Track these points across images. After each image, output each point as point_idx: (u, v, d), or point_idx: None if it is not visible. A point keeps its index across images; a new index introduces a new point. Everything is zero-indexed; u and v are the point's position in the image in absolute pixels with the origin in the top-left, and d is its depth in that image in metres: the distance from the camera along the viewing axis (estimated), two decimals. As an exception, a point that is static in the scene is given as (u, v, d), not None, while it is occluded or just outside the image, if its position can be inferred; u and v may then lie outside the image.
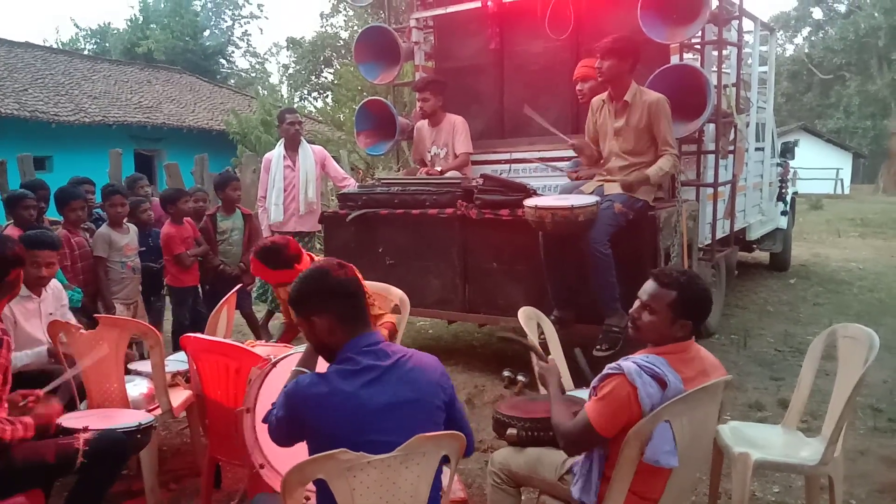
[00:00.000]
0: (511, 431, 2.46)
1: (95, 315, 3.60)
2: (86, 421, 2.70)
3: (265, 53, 42.81)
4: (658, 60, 4.76)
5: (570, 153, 5.02)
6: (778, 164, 8.27)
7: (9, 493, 2.39)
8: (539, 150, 5.55)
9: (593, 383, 2.12)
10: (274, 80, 34.56)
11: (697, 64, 5.08)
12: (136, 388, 3.31)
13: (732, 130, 5.53)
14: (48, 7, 62.42)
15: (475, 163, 5.69)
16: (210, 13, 35.43)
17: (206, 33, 34.39)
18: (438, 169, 5.49)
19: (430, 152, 5.63)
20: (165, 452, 3.70)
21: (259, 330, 5.79)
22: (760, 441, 2.77)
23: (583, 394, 2.49)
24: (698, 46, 5.13)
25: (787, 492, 3.25)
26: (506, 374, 4.65)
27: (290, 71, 32.55)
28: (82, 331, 3.24)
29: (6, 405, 2.48)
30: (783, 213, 8.55)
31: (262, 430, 2.04)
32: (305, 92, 31.54)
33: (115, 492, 2.91)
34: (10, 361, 2.50)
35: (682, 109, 4.49)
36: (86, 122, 14.62)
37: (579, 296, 4.28)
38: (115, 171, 9.92)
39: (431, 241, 4.88)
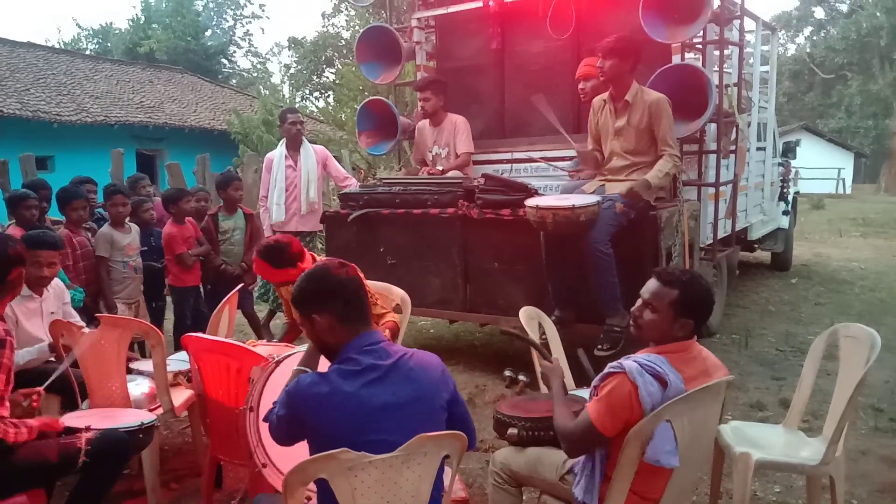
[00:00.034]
0: (512, 431, 2.46)
1: (97, 315, 3.61)
2: (88, 420, 2.70)
3: (267, 53, 42.97)
4: (659, 60, 4.76)
5: (572, 153, 5.02)
6: (779, 164, 8.27)
7: (11, 493, 2.40)
8: (540, 150, 5.54)
9: (594, 382, 2.13)
10: (275, 79, 34.65)
11: (699, 63, 5.08)
12: (138, 387, 3.31)
13: (734, 130, 5.53)
14: (50, 7, 62.58)
15: (476, 162, 5.69)
16: (212, 13, 35.46)
17: (208, 33, 34.43)
18: (440, 168, 5.49)
19: (431, 152, 5.63)
20: (167, 452, 3.71)
21: (260, 330, 5.80)
22: (762, 441, 2.77)
23: (585, 393, 2.49)
24: (700, 46, 5.13)
25: (788, 492, 3.25)
26: (507, 373, 4.65)
27: (292, 71, 32.58)
28: (84, 330, 3.24)
29: (8, 405, 2.48)
30: (785, 212, 8.55)
31: (265, 429, 2.04)
32: (307, 92, 31.58)
33: (117, 491, 2.91)
34: (14, 362, 2.51)
35: (683, 109, 4.49)
36: (88, 122, 14.64)
37: (580, 296, 4.28)
38: (117, 170, 9.94)
39: (433, 241, 4.88)
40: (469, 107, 5.83)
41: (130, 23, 33.33)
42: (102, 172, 8.80)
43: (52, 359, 3.36)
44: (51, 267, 3.40)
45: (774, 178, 7.96)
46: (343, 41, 28.32)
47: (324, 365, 2.00)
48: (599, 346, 4.05)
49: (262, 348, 3.07)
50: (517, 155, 5.69)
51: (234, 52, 36.91)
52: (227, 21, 36.42)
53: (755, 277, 8.52)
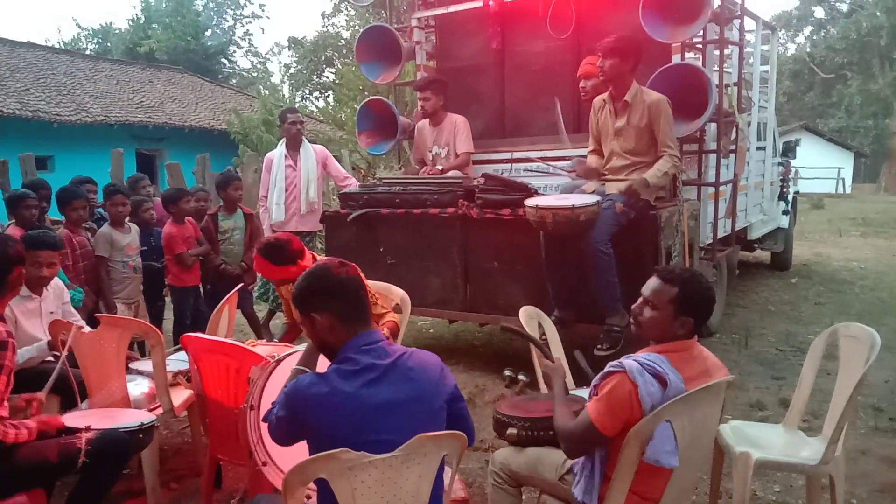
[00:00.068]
0: (511, 431, 2.46)
1: (97, 315, 3.61)
2: (87, 420, 2.70)
3: (267, 53, 42.94)
4: (659, 60, 4.76)
5: (572, 153, 5.03)
6: (779, 164, 8.27)
7: (11, 493, 2.40)
8: (540, 150, 5.55)
9: (594, 381, 2.13)
10: (275, 79, 34.65)
11: (699, 63, 5.08)
12: (138, 387, 3.31)
13: (734, 130, 5.53)
14: (50, 7, 62.58)
15: (476, 162, 5.69)
16: (212, 13, 35.45)
17: (208, 33, 34.43)
18: (439, 168, 5.49)
19: (431, 152, 5.63)
20: (166, 452, 3.71)
21: (260, 329, 5.80)
22: (761, 440, 2.77)
23: (584, 393, 2.49)
24: (700, 46, 5.13)
25: (787, 491, 3.25)
26: (507, 373, 4.71)
27: (292, 70, 32.57)
28: (84, 330, 3.24)
29: (7, 406, 2.48)
30: (784, 212, 8.55)
31: (265, 428, 2.04)
32: (307, 91, 31.58)
33: (117, 491, 2.91)
34: (15, 364, 2.51)
35: (683, 109, 4.49)
36: (87, 122, 14.64)
37: (580, 296, 4.28)
38: (117, 170, 9.94)
39: (432, 241, 4.88)
40: (469, 106, 5.83)
41: (130, 23, 33.34)
42: (102, 172, 8.80)
43: (51, 358, 3.36)
44: (50, 267, 3.40)
45: (774, 177, 7.96)
46: (343, 41, 28.32)
47: (323, 364, 2.00)
48: (599, 346, 4.05)
49: (262, 348, 3.07)
50: (517, 155, 5.69)
51: (234, 51, 36.95)
52: (227, 21, 36.44)
53: (755, 277, 8.52)
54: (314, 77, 31.30)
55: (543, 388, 2.97)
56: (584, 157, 4.62)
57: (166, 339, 3.61)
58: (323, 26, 32.30)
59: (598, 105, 4.40)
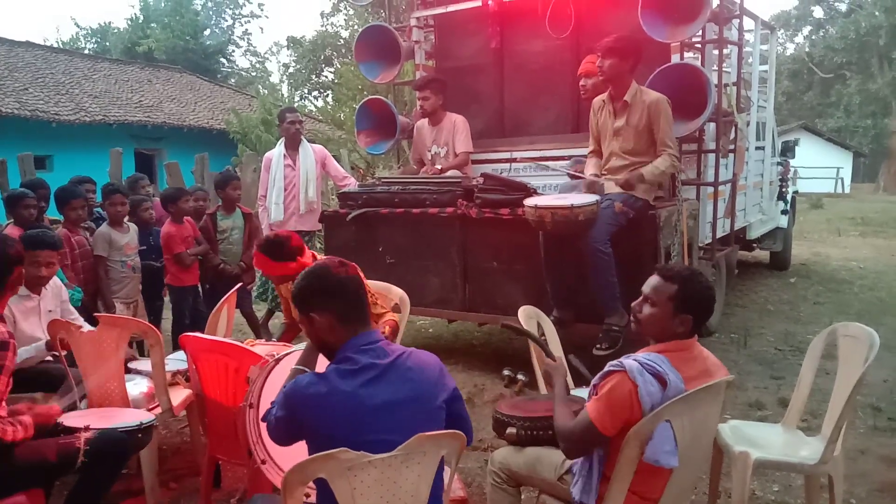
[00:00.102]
0: (511, 431, 2.46)
1: (95, 314, 3.61)
2: (86, 420, 2.70)
3: (266, 52, 42.93)
4: (659, 59, 4.76)
5: (571, 152, 5.03)
6: (778, 163, 8.28)
7: (9, 493, 2.40)
8: (540, 150, 5.55)
9: (594, 381, 2.12)
10: (274, 79, 34.65)
11: (698, 63, 5.08)
12: (137, 387, 3.31)
13: (733, 129, 5.53)
14: (49, 6, 62.55)
15: (475, 162, 5.69)
16: (210, 12, 35.46)
17: (207, 32, 34.42)
18: (438, 167, 5.49)
19: (430, 151, 5.63)
20: (165, 451, 3.70)
21: (259, 329, 5.80)
22: (760, 440, 2.77)
23: (584, 393, 2.49)
24: (699, 45, 5.13)
25: (786, 491, 3.25)
26: (506, 373, 4.71)
27: (291, 70, 32.57)
28: (83, 329, 3.24)
29: (5, 406, 2.48)
30: (783, 212, 8.55)
31: (265, 426, 2.04)
32: (306, 91, 31.58)
33: (116, 491, 2.91)
34: (15, 364, 2.51)
35: (682, 108, 4.49)
36: (86, 122, 14.63)
37: (579, 295, 4.28)
38: (116, 170, 9.93)
39: (431, 241, 4.88)
40: (468, 106, 5.83)
41: (129, 22, 33.33)
42: (101, 172, 8.79)
43: (50, 358, 3.36)
44: (49, 267, 3.39)
45: (773, 177, 7.96)
46: (342, 40, 28.31)
47: (322, 364, 2.00)
48: (598, 346, 4.05)
49: (261, 348, 3.07)
50: (516, 154, 5.69)
51: (233, 51, 36.97)
52: (226, 20, 36.46)
53: (754, 277, 8.53)
54: (313, 76, 31.31)
55: (542, 388, 2.97)
56: (584, 156, 4.62)
57: (165, 339, 3.60)
58: (322, 26, 32.35)
59: (597, 105, 4.39)
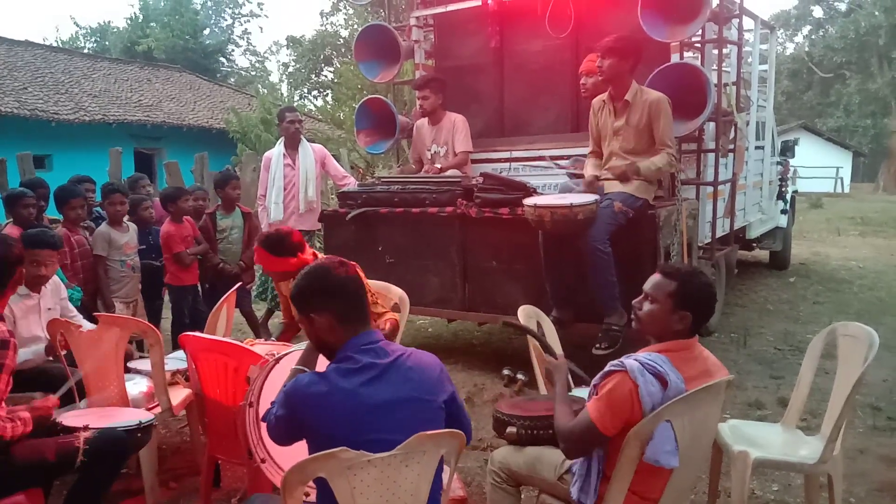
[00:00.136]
0: (511, 430, 2.46)
1: (95, 314, 3.61)
2: (86, 419, 2.70)
3: (265, 52, 42.75)
4: (658, 59, 4.76)
5: (572, 152, 5.03)
6: (778, 163, 8.28)
7: (9, 492, 2.40)
8: (540, 149, 5.55)
9: (594, 381, 2.12)
10: (274, 78, 34.57)
11: (698, 62, 5.08)
12: (136, 386, 3.31)
13: (732, 129, 5.53)
14: (48, 5, 62.48)
15: (475, 161, 5.68)
16: (210, 11, 35.42)
17: (206, 32, 34.38)
18: (438, 167, 5.49)
19: (430, 150, 5.63)
20: (165, 451, 3.70)
21: (258, 328, 5.80)
22: (760, 439, 2.77)
23: (583, 393, 2.49)
24: (699, 45, 5.13)
25: (786, 490, 3.25)
26: (505, 372, 4.71)
27: (290, 69, 32.52)
28: (82, 329, 3.24)
29: (5, 406, 2.48)
30: (783, 211, 8.56)
31: (265, 426, 2.04)
32: (305, 90, 31.54)
33: (115, 490, 2.91)
34: (15, 363, 2.50)
35: (682, 108, 4.49)
36: (86, 121, 14.62)
37: (578, 295, 4.28)
38: (115, 169, 9.93)
39: (431, 240, 4.88)
40: (468, 105, 5.83)
41: (128, 21, 33.30)
42: (100, 171, 8.79)
43: (50, 358, 3.36)
44: (49, 266, 3.39)
45: (773, 176, 7.96)
46: (342, 40, 28.29)
47: (322, 364, 2.00)
48: (598, 345, 4.06)
49: (260, 347, 3.07)
50: (516, 154, 5.69)
51: (233, 50, 36.93)
52: (226, 20, 36.42)
53: (754, 276, 8.53)
54: (313, 76, 31.28)
55: (542, 388, 2.97)
56: (584, 156, 4.62)
57: (164, 339, 3.60)
58: (321, 25, 32.30)
59: (597, 106, 4.39)
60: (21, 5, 60.48)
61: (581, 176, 4.41)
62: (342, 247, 5.08)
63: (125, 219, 4.96)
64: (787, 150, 8.53)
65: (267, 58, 42.94)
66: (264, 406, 2.09)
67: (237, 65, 37.42)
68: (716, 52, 5.17)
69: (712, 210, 5.28)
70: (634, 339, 2.29)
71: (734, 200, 5.96)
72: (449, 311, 5.01)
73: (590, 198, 3.99)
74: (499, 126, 5.99)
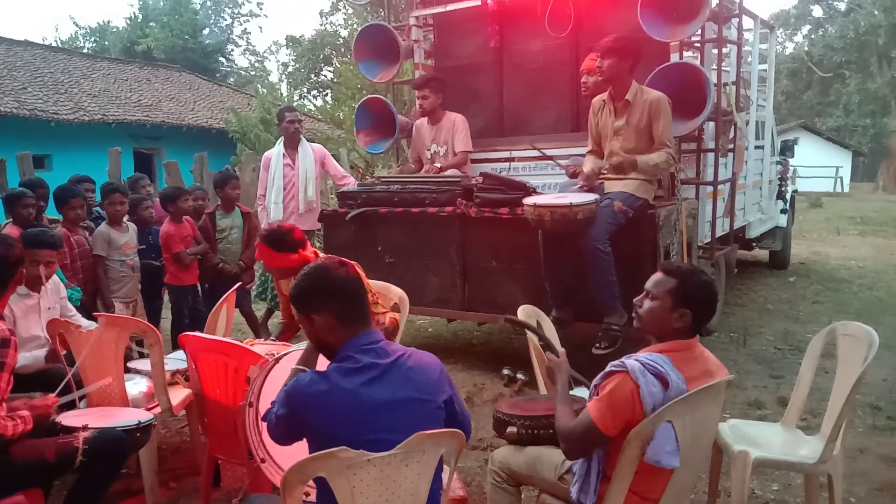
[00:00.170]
0: (511, 430, 2.46)
1: (95, 314, 3.60)
2: (85, 419, 2.70)
3: (265, 52, 42.62)
4: (658, 58, 4.75)
5: (572, 151, 5.02)
6: (777, 163, 8.28)
7: (8, 492, 2.39)
8: (539, 149, 5.54)
9: (595, 381, 2.12)
10: (273, 78, 34.60)
11: (697, 62, 5.08)
12: (136, 386, 3.31)
13: (732, 128, 5.53)
14: (47, 5, 62.45)
15: (475, 161, 5.68)
16: (209, 11, 35.41)
17: (206, 31, 34.38)
18: (438, 166, 5.49)
19: (429, 150, 5.63)
20: (165, 451, 3.70)
21: (258, 328, 5.80)
22: (760, 439, 2.78)
23: (584, 393, 2.49)
24: (698, 44, 5.13)
25: (786, 490, 3.25)
26: (505, 372, 4.71)
27: (290, 69, 32.53)
28: (82, 329, 3.23)
29: (5, 406, 2.48)
30: (783, 211, 8.56)
31: (265, 425, 2.04)
32: (305, 90, 31.54)
33: (115, 490, 2.91)
34: (16, 361, 2.51)
35: (681, 107, 4.49)
36: (85, 121, 14.61)
37: (578, 294, 4.28)
38: (115, 169, 9.93)
39: (431, 240, 4.88)
40: (468, 105, 5.82)
41: (128, 21, 33.29)
42: (100, 171, 8.79)
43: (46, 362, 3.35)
44: (49, 266, 3.39)
45: (772, 176, 7.96)
46: (341, 39, 28.30)
47: (322, 363, 2.00)
48: (597, 345, 4.06)
49: (260, 347, 3.07)
50: (515, 153, 5.69)
51: (232, 50, 36.92)
52: (225, 19, 36.42)
53: (753, 276, 8.53)
54: (312, 76, 31.28)
55: (542, 387, 2.97)
56: (583, 156, 4.62)
57: (164, 339, 3.60)
58: (321, 25, 32.25)
59: (597, 105, 4.39)
60: (20, 5, 60.50)
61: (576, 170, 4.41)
62: (342, 247, 5.08)
63: (125, 219, 4.96)
64: (787, 149, 8.54)
65: (266, 57, 43.02)
66: (264, 406, 2.09)
67: (237, 64, 37.46)
68: (715, 51, 5.17)
69: (712, 210, 5.28)
70: (634, 338, 2.29)
71: (734, 200, 5.96)
72: (449, 310, 5.01)
73: (589, 197, 3.99)
74: (498, 126, 5.99)
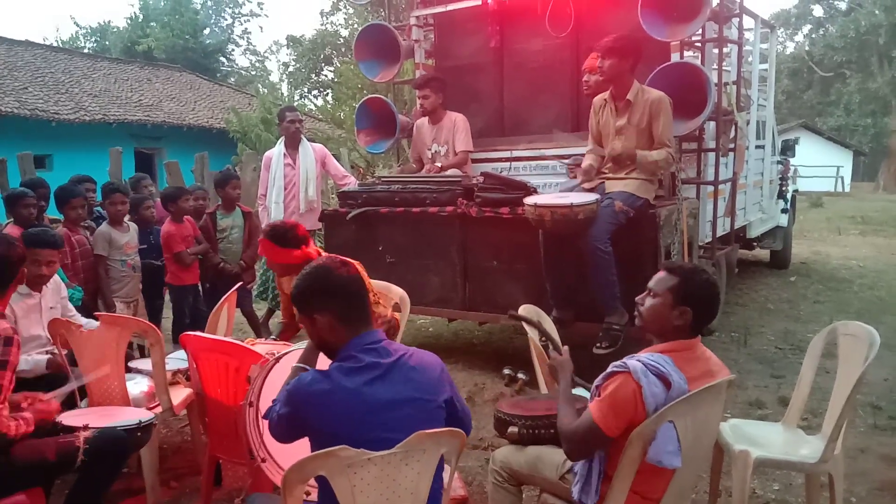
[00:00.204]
0: (512, 429, 2.46)
1: (96, 313, 3.61)
2: (86, 419, 2.70)
3: (265, 51, 42.83)
4: (658, 58, 4.75)
5: (573, 151, 5.02)
6: (778, 162, 8.28)
7: (9, 492, 2.40)
8: (540, 149, 5.55)
9: (597, 382, 2.12)
10: (274, 78, 34.55)
11: (698, 62, 5.08)
12: (137, 385, 3.31)
13: (733, 128, 5.53)
14: (48, 5, 62.49)
15: (475, 161, 5.68)
16: (210, 11, 35.42)
17: (207, 31, 34.39)
18: (438, 166, 5.49)
19: (430, 150, 5.63)
20: (166, 450, 3.71)
21: (259, 328, 5.80)
22: (761, 439, 2.77)
23: (585, 393, 2.48)
24: (699, 44, 5.13)
25: (787, 490, 3.25)
26: (506, 371, 4.71)
27: (291, 69, 32.51)
28: (83, 329, 3.24)
29: (7, 404, 2.48)
30: (783, 210, 8.55)
31: (265, 425, 2.04)
32: (306, 90, 31.52)
33: (116, 490, 2.91)
34: (19, 360, 2.51)
35: (682, 107, 4.49)
36: (86, 121, 14.62)
37: (579, 294, 4.28)
38: (116, 169, 9.94)
39: (432, 240, 4.88)
40: (468, 105, 5.82)
41: (129, 21, 33.31)
42: (101, 171, 8.80)
43: (50, 356, 3.35)
44: (50, 265, 3.39)
45: (773, 176, 7.96)
46: (342, 39, 28.29)
47: (322, 362, 2.00)
48: (598, 345, 4.05)
49: (261, 347, 3.07)
50: (516, 153, 5.69)
51: (233, 50, 36.94)
52: (226, 19, 36.42)
53: (754, 275, 8.53)
54: (313, 75, 31.27)
55: (543, 387, 2.97)
56: (583, 155, 4.62)
57: (165, 338, 3.61)
58: (322, 24, 32.28)
59: (598, 104, 4.39)
60: (21, 5, 60.52)
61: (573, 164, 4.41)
62: (343, 246, 5.08)
63: (126, 218, 4.96)
64: (788, 149, 8.53)
65: (267, 57, 42.96)
66: (265, 405, 2.09)
67: (237, 64, 37.47)
68: (716, 51, 5.17)
69: (713, 209, 5.28)
70: (635, 338, 2.29)
71: (734, 200, 5.96)
72: (449, 310, 5.01)
73: (590, 197, 3.99)
74: (499, 125, 5.99)
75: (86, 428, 2.57)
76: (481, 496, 3.14)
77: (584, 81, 4.85)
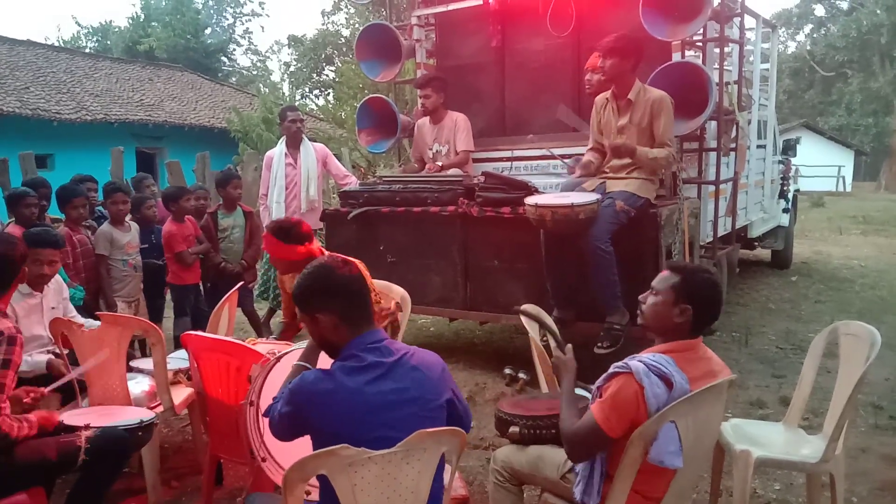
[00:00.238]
0: (513, 429, 2.45)
1: (97, 313, 3.61)
2: (87, 418, 2.70)
3: (267, 51, 42.88)
4: (660, 58, 4.75)
5: (573, 150, 5.02)
6: (780, 162, 8.27)
7: (11, 491, 2.40)
8: (540, 148, 5.54)
9: (598, 383, 2.12)
10: (275, 77, 34.54)
11: (699, 61, 5.08)
12: (138, 385, 3.31)
13: (734, 128, 5.53)
14: (50, 5, 62.54)
15: (476, 160, 5.68)
16: (211, 11, 35.44)
17: (208, 31, 34.41)
18: (440, 165, 5.49)
19: (431, 149, 5.63)
20: (167, 450, 3.71)
21: (260, 327, 5.81)
22: (762, 439, 2.77)
23: (583, 391, 2.48)
24: (700, 44, 5.13)
25: (788, 489, 3.25)
26: (507, 371, 4.71)
27: (292, 69, 32.53)
28: (84, 329, 3.24)
29: (8, 402, 2.48)
30: (785, 210, 8.55)
31: (266, 424, 2.04)
32: (307, 90, 31.54)
33: (117, 489, 2.91)
34: (22, 359, 2.51)
35: (683, 107, 4.48)
36: (87, 120, 14.63)
37: (580, 294, 4.28)
38: (117, 168, 9.95)
39: (433, 239, 4.88)
40: (469, 104, 5.82)
41: (130, 21, 33.33)
42: (102, 170, 8.81)
43: (52, 356, 3.36)
44: (51, 265, 3.39)
45: (775, 175, 7.96)
46: (343, 39, 28.30)
47: (323, 361, 2.00)
48: (599, 344, 4.05)
49: (262, 346, 3.07)
50: (517, 153, 5.69)
51: (234, 49, 36.95)
52: (227, 19, 36.44)
53: (755, 275, 8.52)
54: (314, 75, 31.28)
55: (544, 387, 2.97)
56: (583, 155, 4.62)
57: (166, 338, 3.61)
58: (323, 24, 32.29)
59: (600, 103, 4.39)
60: (23, 5, 60.58)
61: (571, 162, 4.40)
62: (344, 246, 5.07)
63: (127, 218, 4.96)
64: (789, 148, 8.53)
65: (268, 57, 43.05)
66: (265, 405, 2.09)
67: (238, 64, 37.47)
68: (717, 50, 5.17)
69: (714, 209, 5.28)
70: (636, 338, 2.29)
71: (736, 199, 5.95)
72: (450, 310, 5.01)
73: (591, 197, 3.99)
74: (500, 125, 5.99)
75: (87, 427, 2.57)
76: (482, 496, 3.14)
77: (586, 80, 4.85)
